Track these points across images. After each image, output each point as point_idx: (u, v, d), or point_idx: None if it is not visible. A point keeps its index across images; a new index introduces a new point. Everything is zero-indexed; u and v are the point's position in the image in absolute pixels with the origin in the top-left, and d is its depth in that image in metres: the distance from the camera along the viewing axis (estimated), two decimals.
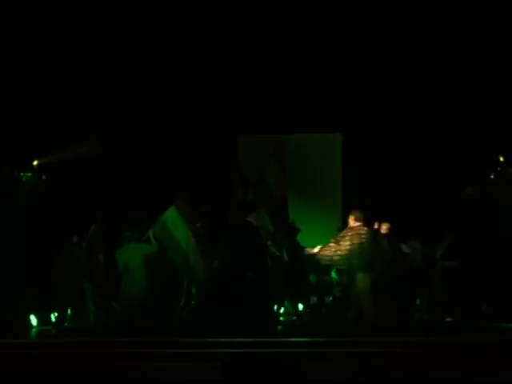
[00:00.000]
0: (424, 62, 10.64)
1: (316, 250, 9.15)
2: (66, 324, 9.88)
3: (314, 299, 10.34)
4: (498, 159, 10.69)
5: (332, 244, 8.87)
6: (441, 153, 10.96)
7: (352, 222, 8.91)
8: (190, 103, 11.46)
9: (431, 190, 10.94)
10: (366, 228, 8.92)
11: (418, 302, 10.22)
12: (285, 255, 9.92)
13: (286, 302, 10.28)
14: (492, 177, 10.70)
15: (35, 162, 10.89)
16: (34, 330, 9.65)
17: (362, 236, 8.80)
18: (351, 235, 8.81)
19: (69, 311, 10.10)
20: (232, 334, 8.22)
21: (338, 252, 8.76)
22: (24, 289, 9.79)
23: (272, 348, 7.83)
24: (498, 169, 10.69)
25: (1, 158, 10.32)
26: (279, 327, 9.47)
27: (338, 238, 8.90)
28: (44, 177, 11.03)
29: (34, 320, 9.80)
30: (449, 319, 9.91)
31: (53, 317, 9.99)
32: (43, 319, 9.90)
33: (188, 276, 9.43)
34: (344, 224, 10.23)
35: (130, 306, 8.74)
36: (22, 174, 10.77)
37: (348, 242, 8.76)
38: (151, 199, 10.68)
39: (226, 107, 11.33)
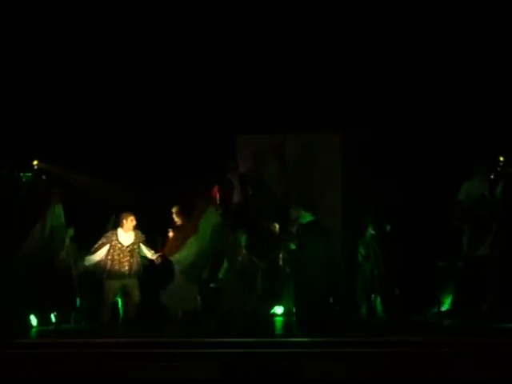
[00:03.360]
0: (424, 62, 10.65)
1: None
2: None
3: None
4: (498, 159, 10.67)
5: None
6: (441, 153, 10.96)
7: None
8: (189, 103, 11.46)
9: (431, 190, 10.93)
10: None
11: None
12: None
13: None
14: (492, 177, 10.67)
15: (35, 162, 10.88)
16: (33, 330, 9.65)
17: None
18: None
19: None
20: (233, 334, 8.25)
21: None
22: (24, 289, 9.77)
23: (272, 348, 7.84)
24: (498, 169, 10.66)
25: (1, 158, 10.32)
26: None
27: (97, 247, 9.69)
28: (44, 177, 11.01)
29: (33, 320, 9.80)
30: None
31: (52, 317, 10.00)
32: (43, 319, 9.90)
33: None
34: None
35: None
36: (22, 174, 10.75)
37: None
38: (150, 199, 10.71)
39: (226, 107, 11.32)
